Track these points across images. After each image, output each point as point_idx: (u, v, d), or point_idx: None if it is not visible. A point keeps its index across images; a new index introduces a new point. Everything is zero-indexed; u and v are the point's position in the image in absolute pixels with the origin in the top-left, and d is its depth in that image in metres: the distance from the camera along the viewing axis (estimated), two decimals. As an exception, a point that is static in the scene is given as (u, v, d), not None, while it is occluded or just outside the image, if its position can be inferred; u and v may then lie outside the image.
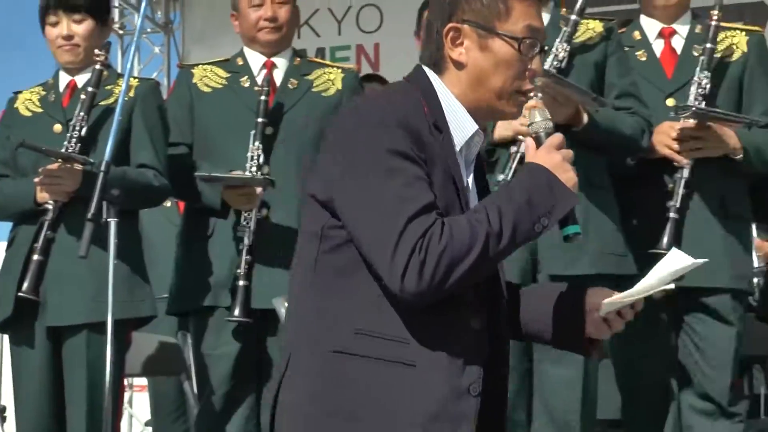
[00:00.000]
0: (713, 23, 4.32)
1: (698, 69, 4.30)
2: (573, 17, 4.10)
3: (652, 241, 4.16)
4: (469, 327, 2.64)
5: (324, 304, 2.62)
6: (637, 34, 4.49)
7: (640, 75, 4.34)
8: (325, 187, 2.63)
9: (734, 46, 4.42)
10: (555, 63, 4.05)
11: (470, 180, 2.77)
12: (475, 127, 2.73)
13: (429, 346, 2.58)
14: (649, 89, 4.32)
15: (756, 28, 4.62)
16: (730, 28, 4.46)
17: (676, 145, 4.23)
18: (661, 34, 4.48)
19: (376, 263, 2.53)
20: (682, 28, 4.46)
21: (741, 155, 4.27)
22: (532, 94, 2.87)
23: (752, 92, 4.41)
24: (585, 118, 4.00)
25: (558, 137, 2.69)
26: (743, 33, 4.47)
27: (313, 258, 2.65)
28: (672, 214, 4.20)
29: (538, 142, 2.70)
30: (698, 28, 4.43)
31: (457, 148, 2.70)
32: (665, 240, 4.16)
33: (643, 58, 4.44)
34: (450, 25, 2.71)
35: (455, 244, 2.50)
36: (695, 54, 4.37)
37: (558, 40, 4.07)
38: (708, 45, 4.31)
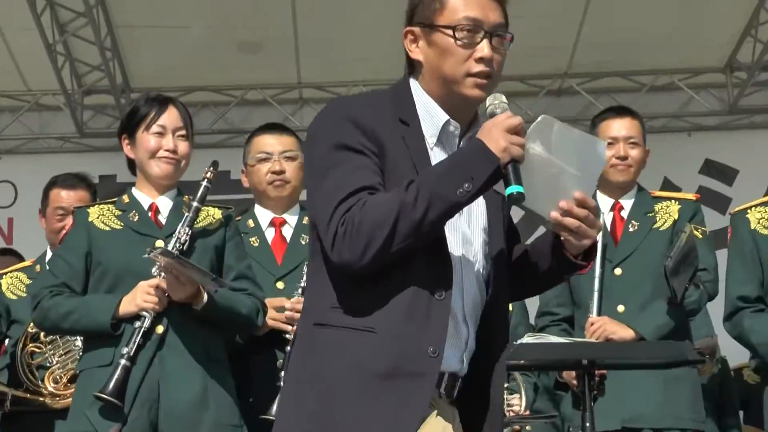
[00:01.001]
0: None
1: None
2: (195, 204, 4.11)
3: (267, 407, 4.19)
4: (433, 298, 2.67)
5: (315, 285, 2.76)
6: (251, 222, 4.57)
7: (254, 259, 4.39)
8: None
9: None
10: (177, 245, 4.03)
11: None
12: (446, 116, 2.78)
13: (388, 314, 2.64)
14: (262, 272, 4.38)
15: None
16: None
17: (283, 319, 4.31)
18: (272, 223, 4.57)
19: (323, 243, 2.66)
20: (291, 219, 4.58)
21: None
22: None
23: None
24: (205, 297, 4.00)
25: (504, 115, 2.67)
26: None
27: (312, 247, 2.79)
28: (282, 383, 4.24)
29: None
30: (305, 219, 4.52)
31: (429, 137, 2.77)
32: (275, 407, 4.17)
33: (256, 244, 4.51)
34: (405, 29, 2.84)
35: (370, 215, 2.59)
36: (302, 243, 4.46)
37: (180, 224, 4.07)
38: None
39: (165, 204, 4.20)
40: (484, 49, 2.75)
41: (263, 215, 4.60)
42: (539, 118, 2.68)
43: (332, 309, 2.69)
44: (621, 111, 5.02)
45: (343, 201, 2.62)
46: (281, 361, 4.32)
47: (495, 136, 2.62)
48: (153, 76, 8.28)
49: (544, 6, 7.41)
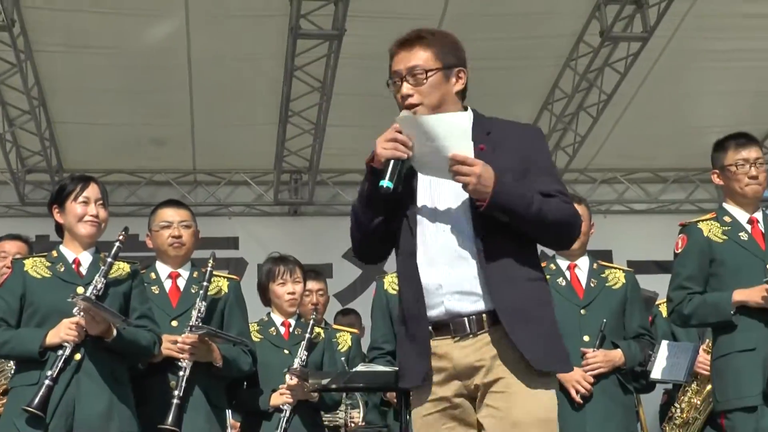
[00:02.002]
0: (209, 269, 4.38)
1: (198, 300, 4.29)
2: (109, 259, 3.99)
3: (161, 419, 4.08)
4: (413, 261, 2.79)
5: None
6: (153, 275, 4.41)
7: (154, 303, 4.26)
8: None
9: (220, 287, 4.46)
10: (95, 291, 3.89)
11: None
12: None
13: (401, 286, 2.89)
14: (160, 314, 4.25)
15: (234, 276, 4.67)
16: (218, 276, 4.49)
17: (176, 349, 4.19)
18: (169, 276, 4.44)
19: None
20: (184, 273, 4.45)
21: (220, 363, 4.28)
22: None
23: (231, 321, 4.44)
24: (114, 332, 3.87)
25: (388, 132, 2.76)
26: (225, 280, 4.52)
27: None
28: (176, 401, 4.11)
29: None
30: (195, 273, 4.45)
31: None
32: (170, 419, 4.07)
33: (156, 292, 4.37)
34: None
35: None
36: (193, 291, 4.37)
37: (97, 275, 3.93)
38: (204, 283, 4.34)
39: (86, 258, 4.06)
40: (402, 89, 2.84)
41: (163, 269, 4.47)
42: (397, 118, 2.79)
43: None
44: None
45: None
46: (173, 382, 4.19)
47: (375, 146, 2.75)
48: (81, 160, 8.09)
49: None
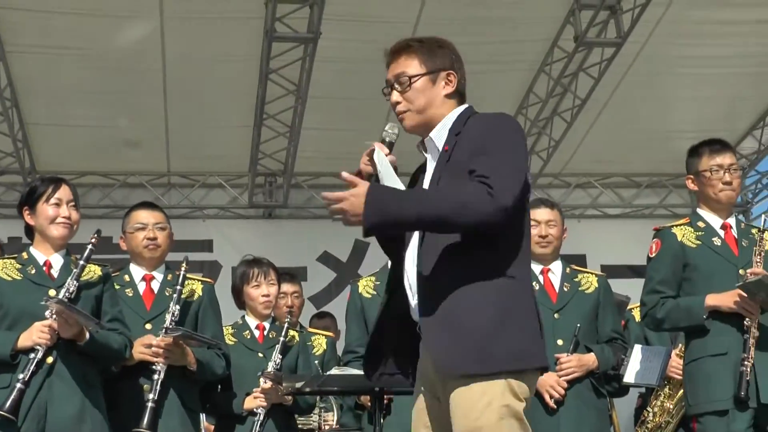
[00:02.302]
0: (182, 272, 4.34)
1: (172, 303, 4.25)
2: (81, 262, 3.94)
3: (136, 422, 4.04)
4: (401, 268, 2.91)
5: None
6: (127, 277, 4.40)
7: (129, 306, 4.24)
8: None
9: (194, 290, 4.44)
10: (67, 294, 3.84)
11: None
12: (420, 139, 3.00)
13: None
14: (134, 317, 4.23)
15: (208, 280, 4.64)
16: (192, 278, 4.47)
17: (150, 353, 4.15)
18: (143, 279, 4.41)
19: None
20: (158, 275, 4.42)
21: (194, 367, 4.26)
22: None
23: (205, 324, 4.42)
24: (87, 335, 3.84)
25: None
26: (199, 283, 4.50)
27: None
28: (150, 404, 4.07)
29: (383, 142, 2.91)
30: (170, 276, 4.42)
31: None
32: (145, 422, 4.04)
33: (131, 294, 4.34)
34: None
35: None
36: (167, 294, 4.34)
37: (69, 278, 3.89)
38: (178, 287, 4.30)
39: (57, 261, 4.02)
40: (392, 97, 2.93)
41: (137, 272, 4.44)
42: (367, 142, 2.89)
43: None
44: (545, 202, 4.79)
45: None
46: (146, 386, 4.15)
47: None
48: (54, 162, 8.03)
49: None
